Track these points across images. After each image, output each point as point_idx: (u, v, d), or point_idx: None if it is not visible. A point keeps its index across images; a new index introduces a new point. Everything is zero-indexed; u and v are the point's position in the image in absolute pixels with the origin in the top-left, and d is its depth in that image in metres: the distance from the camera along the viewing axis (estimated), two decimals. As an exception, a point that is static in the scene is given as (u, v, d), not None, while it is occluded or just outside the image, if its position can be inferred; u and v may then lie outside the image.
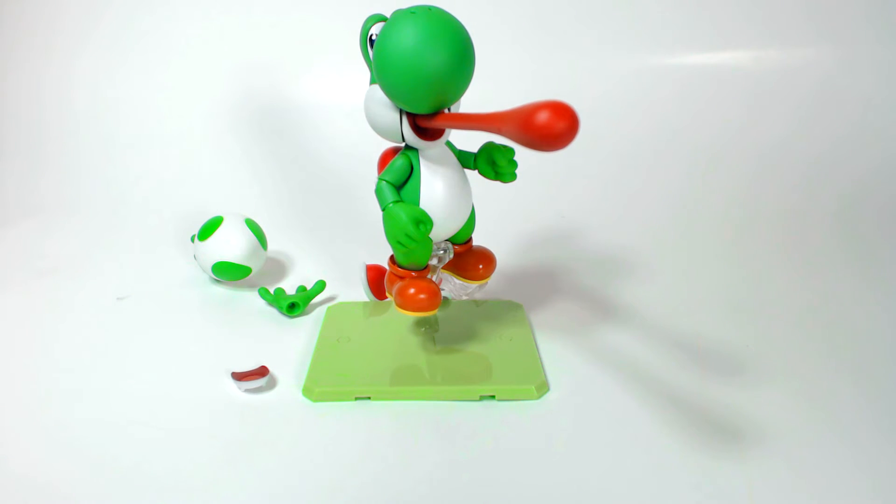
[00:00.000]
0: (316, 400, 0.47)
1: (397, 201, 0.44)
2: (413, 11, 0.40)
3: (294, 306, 0.58)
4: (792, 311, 0.58)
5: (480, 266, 0.52)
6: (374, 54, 0.42)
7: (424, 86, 0.40)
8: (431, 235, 0.46)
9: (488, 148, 0.47)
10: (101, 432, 0.44)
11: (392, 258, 0.50)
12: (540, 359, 0.50)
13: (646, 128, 0.90)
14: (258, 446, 0.43)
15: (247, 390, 0.48)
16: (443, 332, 0.54)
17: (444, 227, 0.47)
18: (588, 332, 0.55)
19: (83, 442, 0.43)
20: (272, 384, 0.49)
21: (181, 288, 0.64)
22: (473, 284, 0.54)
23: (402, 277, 0.49)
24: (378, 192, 0.45)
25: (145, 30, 0.94)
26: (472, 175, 0.48)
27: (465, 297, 0.58)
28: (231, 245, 0.60)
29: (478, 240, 0.53)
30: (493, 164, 0.47)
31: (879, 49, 0.90)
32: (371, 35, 0.43)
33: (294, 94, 0.93)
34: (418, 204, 0.45)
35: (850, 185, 0.82)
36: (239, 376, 0.48)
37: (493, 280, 0.56)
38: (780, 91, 0.90)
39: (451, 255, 0.52)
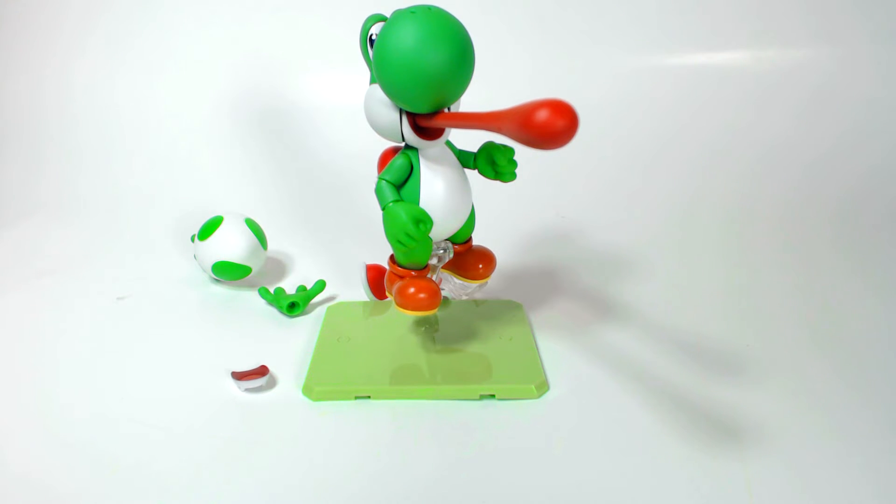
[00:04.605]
0: (316, 399, 0.47)
1: (397, 200, 0.44)
2: (413, 11, 0.40)
3: (294, 306, 0.58)
4: (792, 310, 0.58)
5: (480, 266, 0.52)
6: (373, 54, 0.42)
7: (424, 85, 0.40)
8: (431, 235, 0.46)
9: (488, 147, 0.47)
10: (101, 432, 0.44)
11: (392, 257, 0.50)
12: (540, 358, 0.50)
13: (645, 127, 0.90)
14: (258, 446, 0.43)
15: (247, 390, 0.48)
16: (443, 331, 0.54)
17: (443, 226, 0.47)
18: (588, 331, 0.55)
19: (83, 441, 0.43)
20: (272, 384, 0.49)
21: (181, 288, 0.64)
22: (473, 284, 0.54)
23: (402, 277, 0.49)
24: (378, 191, 0.45)
25: (145, 30, 0.94)
26: (472, 175, 0.48)
27: (464, 297, 0.58)
28: (231, 245, 0.60)
29: (477, 239, 0.53)
30: (493, 163, 0.47)
31: (879, 49, 0.90)
32: (371, 35, 0.43)
33: (294, 94, 0.93)
34: (418, 203, 0.45)
35: (850, 185, 0.82)
36: (239, 376, 0.48)
37: (493, 280, 0.56)
38: (780, 91, 0.91)
39: (451, 255, 0.52)
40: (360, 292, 0.59)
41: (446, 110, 0.43)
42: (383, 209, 0.45)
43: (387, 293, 0.52)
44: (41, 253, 0.73)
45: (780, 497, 0.38)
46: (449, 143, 0.48)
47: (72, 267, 0.69)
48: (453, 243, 0.52)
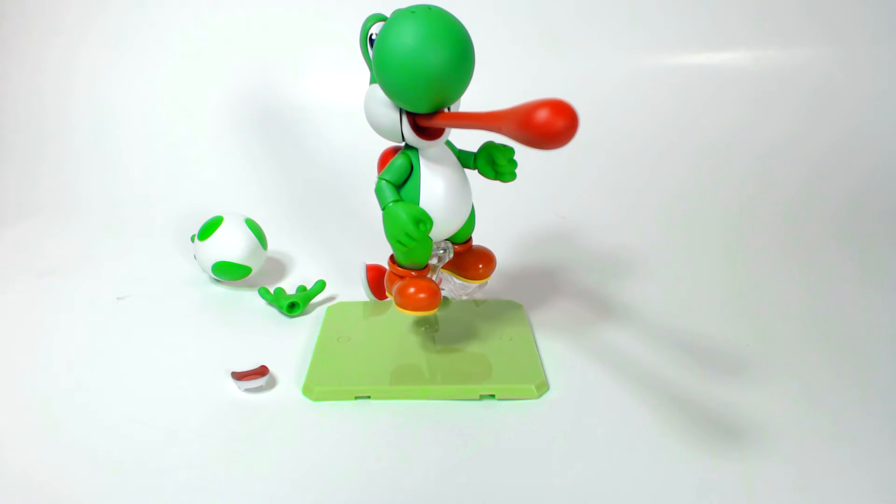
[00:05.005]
0: (316, 399, 0.47)
1: (397, 200, 0.44)
2: (413, 11, 0.40)
3: (294, 306, 0.58)
4: (792, 310, 0.58)
5: (480, 266, 0.52)
6: (374, 54, 0.42)
7: (424, 85, 0.40)
8: (431, 235, 0.46)
9: (488, 147, 0.47)
10: (100, 432, 0.44)
11: (392, 257, 0.50)
12: (540, 358, 0.50)
13: (646, 128, 0.90)
14: (258, 446, 0.43)
15: (247, 390, 0.48)
16: (443, 331, 0.54)
17: (443, 226, 0.47)
18: (588, 331, 0.55)
19: (83, 442, 0.43)
20: (272, 384, 0.49)
21: (181, 288, 0.64)
22: (473, 284, 0.54)
23: (402, 277, 0.49)
24: (378, 191, 0.45)
25: (144, 29, 0.94)
26: (472, 175, 0.48)
27: (464, 297, 0.58)
28: (231, 245, 0.60)
29: (478, 239, 0.53)
30: (493, 163, 0.47)
31: (879, 49, 0.90)
32: (371, 34, 0.43)
33: (294, 94, 0.93)
34: (418, 203, 0.45)
35: (851, 185, 0.82)
36: (239, 376, 0.48)
37: (493, 280, 0.56)
38: (781, 91, 0.90)
39: (451, 255, 0.52)
40: (360, 292, 0.59)
41: (446, 110, 0.43)
42: (383, 209, 0.45)
43: (387, 293, 0.52)
44: (41, 253, 0.73)
45: (780, 497, 0.38)
46: (449, 143, 0.48)
47: (72, 267, 0.69)
48: (453, 243, 0.52)
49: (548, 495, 0.38)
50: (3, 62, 0.95)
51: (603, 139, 0.88)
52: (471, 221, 0.50)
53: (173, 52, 0.94)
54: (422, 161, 0.45)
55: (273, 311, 0.60)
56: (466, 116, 0.39)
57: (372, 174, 0.47)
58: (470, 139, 0.46)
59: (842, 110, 0.89)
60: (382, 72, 0.41)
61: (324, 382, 0.47)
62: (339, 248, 0.72)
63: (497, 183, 0.48)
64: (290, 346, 0.54)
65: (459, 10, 0.43)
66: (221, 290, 0.64)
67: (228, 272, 0.61)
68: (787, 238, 0.73)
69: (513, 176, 0.47)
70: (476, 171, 0.48)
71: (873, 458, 0.41)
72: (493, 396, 0.47)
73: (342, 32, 0.68)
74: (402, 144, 0.46)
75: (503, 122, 0.34)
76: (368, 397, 0.47)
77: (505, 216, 0.73)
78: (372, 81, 0.44)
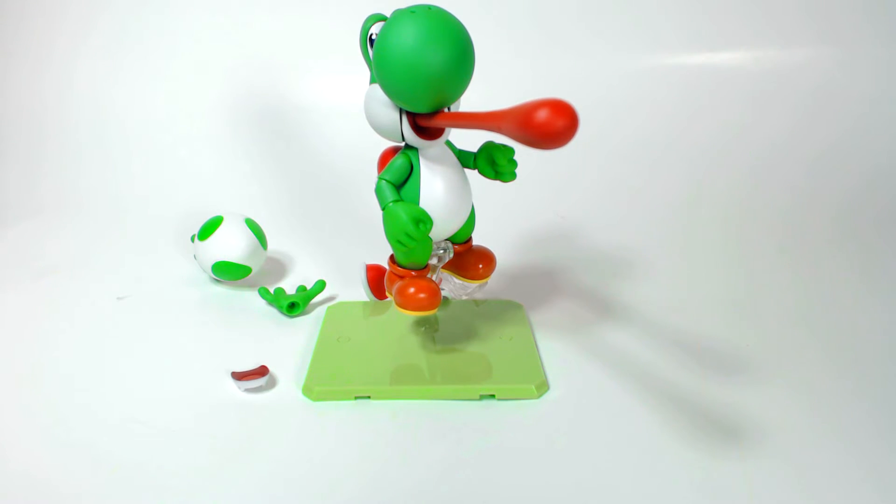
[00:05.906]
0: (316, 399, 0.47)
1: (397, 200, 0.44)
2: (413, 11, 0.40)
3: (294, 306, 0.58)
4: (792, 310, 0.58)
5: (480, 265, 0.52)
6: (374, 53, 0.42)
7: (424, 85, 0.40)
8: (431, 235, 0.46)
9: (488, 147, 0.47)
10: (100, 432, 0.44)
11: (392, 257, 0.50)
12: (540, 358, 0.50)
13: (646, 128, 0.90)
14: (258, 446, 0.43)
15: (247, 390, 0.48)
16: (443, 331, 0.54)
17: (443, 226, 0.47)
18: (588, 331, 0.55)
19: (83, 441, 0.43)
20: (272, 384, 0.49)
21: (181, 288, 0.64)
22: (473, 284, 0.54)
23: (402, 277, 0.49)
24: (378, 191, 0.45)
25: (145, 30, 0.94)
26: (472, 175, 0.48)
27: (464, 297, 0.58)
28: (231, 245, 0.60)
29: (478, 239, 0.53)
30: (493, 163, 0.47)
31: (879, 49, 0.90)
32: (371, 34, 0.43)
33: (294, 94, 0.93)
34: (418, 203, 0.45)
35: (850, 185, 0.82)
36: (239, 376, 0.48)
37: (493, 280, 0.56)
38: (780, 91, 0.90)
39: (451, 255, 0.52)
40: (360, 292, 0.59)
41: (446, 110, 0.43)
42: (383, 209, 0.45)
43: (387, 293, 0.52)
44: (41, 253, 0.73)
45: (780, 497, 0.38)
46: (449, 143, 0.48)
47: (72, 267, 0.69)
48: (453, 243, 0.52)
49: (548, 495, 0.38)
50: (4, 62, 0.95)
51: (603, 139, 0.88)
52: (471, 221, 0.50)
53: (174, 52, 0.94)
54: (422, 161, 0.45)
55: (273, 311, 0.60)
56: (466, 116, 0.39)
57: (372, 174, 0.47)
58: (470, 139, 0.46)
59: (841, 110, 0.89)
60: (382, 72, 0.41)
61: (324, 382, 0.47)
62: (339, 248, 0.72)
63: (497, 183, 0.48)
64: (290, 346, 0.54)
65: (459, 10, 0.43)
66: (221, 290, 0.64)
67: (228, 272, 0.61)
68: (786, 237, 0.73)
69: (513, 176, 0.47)
70: (476, 171, 0.48)
71: (873, 458, 0.41)
72: (493, 396, 0.47)
73: (342, 32, 0.68)
74: (402, 144, 0.46)
75: (503, 122, 0.34)
76: (368, 397, 0.47)
77: (505, 216, 0.73)
78: (372, 81, 0.44)
